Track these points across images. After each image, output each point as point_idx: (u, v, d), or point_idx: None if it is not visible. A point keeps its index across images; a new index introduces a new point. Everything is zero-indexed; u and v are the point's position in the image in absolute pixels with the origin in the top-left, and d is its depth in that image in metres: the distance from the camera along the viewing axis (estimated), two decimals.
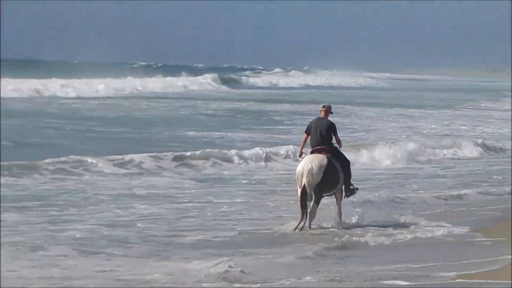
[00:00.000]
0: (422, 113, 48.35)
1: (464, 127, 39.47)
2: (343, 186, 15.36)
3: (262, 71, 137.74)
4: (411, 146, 27.68)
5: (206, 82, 77.65)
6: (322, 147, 15.16)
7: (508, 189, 20.19)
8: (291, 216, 15.63)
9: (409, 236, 14.61)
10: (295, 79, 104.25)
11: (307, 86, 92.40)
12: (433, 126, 39.26)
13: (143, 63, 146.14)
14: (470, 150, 29.13)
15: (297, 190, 15.05)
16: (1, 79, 54.90)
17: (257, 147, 25.29)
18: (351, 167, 15.68)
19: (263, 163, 24.06)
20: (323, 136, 15.21)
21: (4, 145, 24.85)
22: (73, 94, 55.50)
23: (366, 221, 15.65)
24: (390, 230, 14.98)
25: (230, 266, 11.35)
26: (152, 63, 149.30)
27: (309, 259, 12.64)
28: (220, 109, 45.95)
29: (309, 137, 15.36)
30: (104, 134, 30.41)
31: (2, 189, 17.66)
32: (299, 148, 15.61)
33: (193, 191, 19.10)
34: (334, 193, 15.33)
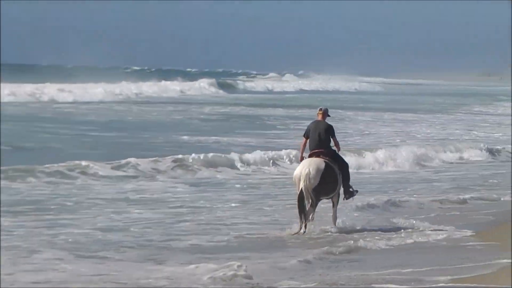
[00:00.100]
0: (416, 118, 48.41)
1: (457, 131, 39.57)
2: (342, 189, 15.42)
3: (257, 76, 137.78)
4: (413, 150, 27.79)
5: (203, 86, 77.69)
6: (320, 150, 15.22)
7: (502, 193, 20.31)
8: (287, 220, 15.70)
9: (405, 241, 14.62)
10: (290, 83, 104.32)
11: (302, 91, 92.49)
12: (428, 131, 39.30)
13: (137, 68, 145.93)
14: (474, 154, 29.23)
15: (296, 194, 15.11)
16: None
17: (252, 151, 25.37)
18: (357, 171, 15.73)
19: (267, 168, 24.08)
20: (322, 139, 15.26)
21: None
22: (68, 99, 55.46)
23: (364, 225, 15.69)
24: (387, 234, 14.99)
25: (235, 270, 11.36)
26: (146, 68, 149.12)
27: (303, 263, 12.63)
28: (218, 114, 45.97)
29: (308, 140, 15.43)
30: (100, 139, 30.41)
31: None
32: (299, 152, 15.66)
33: (188, 195, 19.12)
34: (331, 197, 15.40)
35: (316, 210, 15.23)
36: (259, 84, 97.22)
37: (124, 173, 21.43)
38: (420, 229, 15.67)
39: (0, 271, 11.35)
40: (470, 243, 14.67)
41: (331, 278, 11.82)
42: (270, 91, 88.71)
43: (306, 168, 14.92)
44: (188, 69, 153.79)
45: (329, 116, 15.71)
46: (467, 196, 19.81)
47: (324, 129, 15.33)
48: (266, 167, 24.24)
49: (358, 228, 15.49)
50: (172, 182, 21.15)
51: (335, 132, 15.49)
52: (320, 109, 15.68)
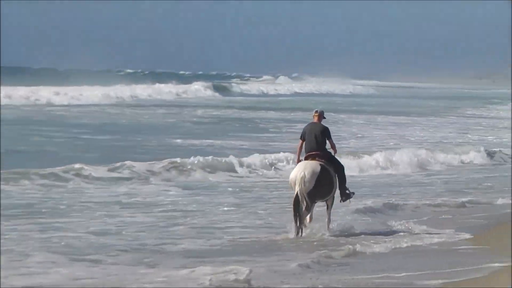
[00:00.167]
0: (409, 121, 48.49)
1: (451, 134, 39.62)
2: (338, 192, 15.45)
3: (251, 78, 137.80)
4: (412, 153, 27.87)
5: (198, 89, 77.70)
6: (316, 152, 15.24)
7: (496, 196, 20.39)
8: (281, 223, 15.72)
9: (399, 244, 14.64)
10: (284, 86, 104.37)
11: (296, 94, 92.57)
12: (421, 134, 39.33)
13: (130, 71, 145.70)
14: (472, 157, 29.30)
15: (292, 197, 15.11)
16: None
17: (248, 154, 25.42)
18: (360, 174, 15.73)
19: (266, 171, 24.09)
20: (318, 141, 15.30)
21: None
22: (61, 102, 55.41)
23: (358, 228, 15.72)
24: (382, 237, 15.03)
25: (235, 274, 11.38)
26: (139, 70, 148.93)
27: (296, 267, 12.62)
28: (213, 117, 45.93)
29: (304, 143, 15.45)
30: (93, 142, 30.39)
31: None
32: (296, 155, 15.67)
33: (181, 198, 19.13)
34: (326, 200, 15.40)
35: (314, 212, 15.26)
36: (254, 87, 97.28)
37: (118, 177, 21.41)
38: (416, 232, 15.74)
39: (0, 272, 11.38)
40: (463, 247, 14.71)
41: (322, 282, 11.84)
42: (265, 94, 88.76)
43: (301, 172, 14.95)
44: (181, 72, 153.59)
45: (324, 118, 15.76)
46: (463, 199, 19.87)
47: (320, 131, 15.37)
48: (265, 170, 24.23)
49: (352, 231, 15.51)
50: (166, 185, 21.13)
51: (331, 134, 15.55)
52: (316, 111, 15.72)
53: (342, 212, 16.78)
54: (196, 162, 23.35)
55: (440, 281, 11.96)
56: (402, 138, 36.49)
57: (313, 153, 15.26)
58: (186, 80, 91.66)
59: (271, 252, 13.74)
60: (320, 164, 15.10)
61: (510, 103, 76.73)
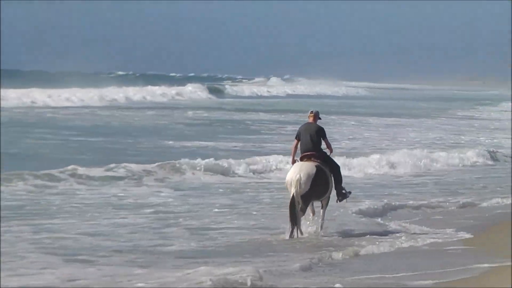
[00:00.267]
0: (401, 122, 48.61)
1: (443, 136, 39.71)
2: (335, 192, 15.49)
3: (243, 80, 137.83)
4: (411, 154, 27.99)
5: (193, 91, 77.69)
6: (312, 153, 15.29)
7: (490, 197, 20.50)
8: (274, 224, 15.76)
9: (393, 245, 14.70)
10: (277, 88, 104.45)
11: (289, 95, 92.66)
12: (413, 135, 39.38)
13: (121, 73, 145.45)
14: (471, 158, 29.41)
15: (288, 199, 15.14)
16: None
17: (241, 156, 25.44)
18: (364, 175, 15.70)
19: (258, 173, 24.12)
20: (314, 141, 15.35)
21: None
22: (53, 104, 55.34)
23: (353, 229, 15.78)
24: (377, 238, 15.07)
25: (236, 274, 11.41)
26: (130, 73, 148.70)
27: (287, 268, 12.61)
28: (209, 119, 45.90)
29: (299, 143, 15.50)
30: (86, 144, 30.35)
31: None
32: (291, 155, 15.71)
33: (174, 200, 19.15)
34: (322, 200, 15.43)
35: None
36: (247, 89, 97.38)
37: (111, 178, 21.41)
38: (412, 232, 15.83)
39: (0, 272, 11.39)
40: (456, 247, 14.77)
41: (312, 282, 11.88)
42: (259, 96, 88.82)
43: (297, 174, 14.99)
44: (172, 74, 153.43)
45: (320, 119, 15.81)
46: (459, 199, 19.96)
47: (315, 131, 15.42)
48: (257, 172, 24.23)
49: (348, 232, 15.57)
50: (159, 187, 21.15)
51: (326, 134, 15.59)
52: (312, 112, 15.78)
53: (339, 213, 16.82)
54: (188, 164, 23.36)
55: (430, 281, 12.01)
56: (394, 140, 36.57)
57: (309, 153, 15.30)
58: (177, 82, 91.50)
59: (267, 253, 13.75)
60: (316, 165, 15.15)
61: (503, 104, 76.99)
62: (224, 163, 23.97)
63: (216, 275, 11.41)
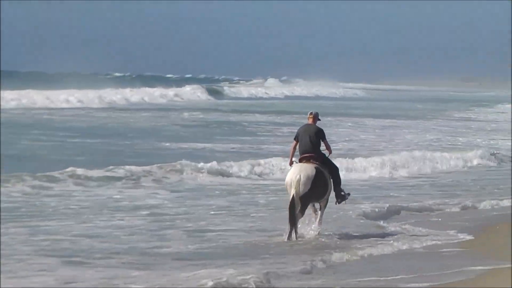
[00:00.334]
0: (398, 124, 48.62)
1: (440, 137, 39.73)
2: (334, 193, 15.52)
3: (240, 82, 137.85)
4: (411, 155, 28.08)
5: (193, 93, 77.70)
6: (311, 154, 15.31)
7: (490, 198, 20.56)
8: (271, 226, 15.79)
9: (390, 247, 14.69)
10: (275, 89, 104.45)
11: (287, 97, 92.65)
12: (409, 137, 39.37)
13: (118, 74, 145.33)
14: (473, 160, 29.47)
15: (288, 200, 15.15)
16: None
17: (238, 157, 25.44)
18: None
19: (255, 175, 24.13)
20: (313, 143, 15.37)
21: None
22: (50, 105, 55.30)
23: (351, 231, 15.81)
24: (375, 240, 15.09)
25: (239, 276, 11.43)
26: (127, 74, 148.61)
27: (285, 271, 12.59)
28: (208, 120, 45.92)
29: (298, 144, 15.52)
30: (84, 146, 30.34)
31: None
32: (289, 156, 15.72)
33: (172, 201, 19.15)
34: (320, 201, 15.45)
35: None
36: (246, 90, 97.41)
37: (108, 180, 21.40)
38: (411, 234, 15.87)
39: (0, 272, 11.40)
40: (452, 249, 14.81)
41: (308, 283, 11.91)
42: (258, 98, 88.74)
43: (297, 175, 15.01)
44: (169, 75, 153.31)
45: (319, 120, 15.85)
46: (460, 201, 19.99)
47: (314, 133, 15.44)
48: (253, 174, 24.23)
49: (345, 234, 15.59)
50: (157, 188, 21.17)
51: (325, 135, 15.63)
52: (311, 113, 15.79)
53: (338, 215, 16.85)
54: (188, 165, 23.37)
55: (426, 284, 12.05)
56: (391, 141, 36.59)
57: (308, 155, 15.32)
58: (174, 83, 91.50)
59: (265, 255, 13.74)
60: (315, 167, 15.17)
61: (499, 106, 77.09)
62: (222, 166, 23.97)
63: (217, 278, 11.42)
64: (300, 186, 14.93)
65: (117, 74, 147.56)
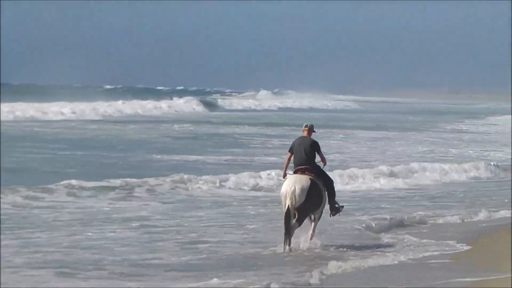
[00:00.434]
0: (389, 136, 48.68)
1: (433, 149, 39.76)
2: (328, 206, 15.51)
3: (232, 94, 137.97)
4: (403, 167, 28.13)
5: (188, 105, 77.72)
6: (306, 166, 15.31)
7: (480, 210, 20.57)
8: (265, 238, 15.75)
9: (382, 258, 14.68)
10: (268, 101, 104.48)
11: (281, 109, 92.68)
12: (400, 149, 39.34)
13: (109, 87, 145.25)
14: (477, 172, 29.53)
15: (283, 212, 15.10)
16: None
17: (232, 170, 25.42)
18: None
19: (247, 187, 24.08)
20: (308, 155, 15.37)
21: None
22: (41, 118, 55.20)
23: (345, 243, 15.79)
24: (369, 252, 15.08)
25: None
26: (119, 86, 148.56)
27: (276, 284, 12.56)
28: (204, 132, 45.88)
29: (292, 156, 15.51)
30: (77, 158, 30.25)
31: None
32: (283, 169, 15.70)
33: (164, 213, 19.11)
34: (315, 213, 15.44)
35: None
36: (240, 102, 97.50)
37: (100, 192, 21.35)
38: (405, 245, 15.88)
39: (0, 271, 11.31)
40: (438, 261, 14.80)
41: None
42: (252, 110, 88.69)
43: (291, 186, 15.01)
44: (160, 88, 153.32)
45: (314, 132, 15.85)
46: (453, 212, 19.99)
47: (309, 145, 15.45)
48: (246, 187, 24.15)
49: (339, 245, 15.55)
50: (149, 200, 21.13)
51: (320, 147, 15.64)
52: (306, 126, 15.80)
53: (331, 226, 16.82)
54: (178, 177, 23.32)
55: None
56: (383, 153, 36.61)
57: (303, 166, 15.33)
58: (166, 95, 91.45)
59: (261, 267, 13.71)
60: (310, 178, 15.18)
61: (490, 118, 77.32)
62: (215, 178, 23.94)
63: None
64: (295, 197, 14.92)
65: (108, 86, 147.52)
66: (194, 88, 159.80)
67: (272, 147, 37.41)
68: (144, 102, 73.64)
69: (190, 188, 23.05)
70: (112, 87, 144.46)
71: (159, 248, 15.08)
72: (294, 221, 14.98)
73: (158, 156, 31.67)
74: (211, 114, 71.30)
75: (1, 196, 19.38)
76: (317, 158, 15.57)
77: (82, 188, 21.04)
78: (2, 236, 15.47)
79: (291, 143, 15.72)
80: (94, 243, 15.25)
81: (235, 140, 41.44)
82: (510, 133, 49.85)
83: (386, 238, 16.69)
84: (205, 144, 38.46)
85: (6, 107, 56.81)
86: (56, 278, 12.48)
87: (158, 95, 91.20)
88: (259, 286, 11.65)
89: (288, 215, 14.91)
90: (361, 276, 13.56)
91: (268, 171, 25.07)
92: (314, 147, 15.49)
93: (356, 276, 13.55)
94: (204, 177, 23.83)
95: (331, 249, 15.24)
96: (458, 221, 19.39)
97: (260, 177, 24.70)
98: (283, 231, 14.91)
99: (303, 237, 15.35)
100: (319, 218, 15.59)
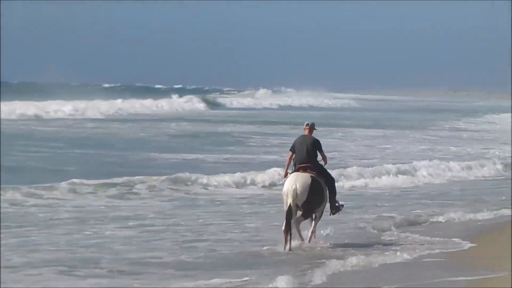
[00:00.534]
0: (388, 134, 48.68)
1: (433, 147, 39.73)
2: (329, 204, 15.51)
3: (231, 92, 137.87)
4: (403, 165, 28.13)
5: (190, 103, 77.69)
6: (307, 164, 15.32)
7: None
8: (265, 237, 15.73)
9: (386, 257, 14.63)
10: (267, 99, 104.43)
11: (281, 107, 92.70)
12: (398, 147, 39.37)
13: (107, 85, 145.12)
14: (483, 170, 29.54)
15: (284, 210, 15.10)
16: None
17: (230, 168, 25.42)
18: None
19: (245, 186, 24.06)
20: (309, 153, 15.38)
21: None
22: (41, 116, 55.17)
23: (344, 241, 15.78)
24: (370, 250, 15.07)
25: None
26: (118, 84, 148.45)
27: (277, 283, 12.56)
28: (204, 131, 45.88)
29: (294, 155, 15.51)
30: (76, 157, 30.24)
31: None
32: (284, 168, 15.69)
33: (163, 212, 19.11)
34: (316, 211, 15.43)
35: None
36: (240, 101, 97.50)
37: (99, 191, 21.34)
38: (406, 243, 15.87)
39: (0, 271, 11.30)
40: (441, 259, 14.79)
41: None
42: (253, 108, 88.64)
43: (293, 184, 15.02)
44: (158, 86, 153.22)
45: (315, 129, 15.84)
46: (454, 211, 19.97)
47: (311, 143, 15.46)
48: (245, 185, 24.14)
49: (339, 244, 15.54)
50: (150, 199, 21.12)
51: (322, 146, 15.62)
52: (307, 124, 15.85)
53: (333, 224, 16.82)
54: (177, 176, 23.31)
55: None
56: (382, 151, 36.62)
57: (304, 165, 15.33)
58: (164, 94, 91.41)
59: (262, 265, 13.69)
60: (311, 176, 15.19)
61: (487, 116, 77.38)
62: (215, 176, 23.91)
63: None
64: (297, 194, 14.93)
65: (106, 85, 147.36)
66: (193, 87, 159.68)
67: (271, 146, 37.40)
68: (143, 101, 73.53)
69: (189, 187, 23.03)
70: (111, 85, 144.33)
71: (157, 246, 15.08)
72: (299, 216, 14.96)
73: (157, 155, 31.65)
74: (210, 113, 71.28)
75: (0, 194, 19.36)
76: (318, 157, 15.57)
77: (82, 185, 21.03)
78: (2, 235, 15.45)
79: (290, 141, 15.72)
80: (92, 242, 15.24)
81: (234, 138, 41.42)
82: (509, 131, 49.84)
83: (387, 236, 16.66)
84: (204, 142, 38.43)
85: (5, 105, 56.77)
86: (55, 276, 12.46)
87: (156, 93, 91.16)
88: (264, 286, 11.59)
89: (289, 213, 14.90)
90: (363, 274, 13.54)
91: (267, 170, 25.05)
92: (316, 145, 15.50)
93: (358, 274, 13.53)
94: (203, 175, 23.81)
95: (333, 247, 15.22)
96: (460, 219, 19.36)
97: (259, 175, 24.67)
98: (282, 229, 14.87)
99: (305, 234, 15.35)
100: (320, 216, 15.58)
